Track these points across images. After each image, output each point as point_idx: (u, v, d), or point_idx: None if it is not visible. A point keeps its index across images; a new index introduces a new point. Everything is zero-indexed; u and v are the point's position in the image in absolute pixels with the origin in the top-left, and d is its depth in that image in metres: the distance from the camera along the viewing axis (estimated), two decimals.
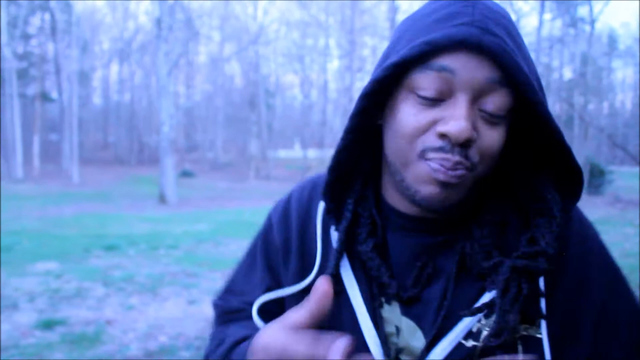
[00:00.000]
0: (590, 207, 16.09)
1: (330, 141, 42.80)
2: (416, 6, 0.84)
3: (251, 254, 0.97)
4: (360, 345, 0.76)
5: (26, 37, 33.96)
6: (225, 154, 41.24)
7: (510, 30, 0.71)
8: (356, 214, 0.81)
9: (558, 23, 28.84)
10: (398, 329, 0.78)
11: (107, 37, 42.28)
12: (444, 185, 0.70)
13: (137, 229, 11.08)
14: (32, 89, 35.69)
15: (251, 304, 0.88)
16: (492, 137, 0.70)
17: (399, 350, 0.77)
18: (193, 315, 5.18)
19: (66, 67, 30.47)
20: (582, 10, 26.13)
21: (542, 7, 24.98)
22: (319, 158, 38.53)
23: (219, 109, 39.80)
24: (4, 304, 5.46)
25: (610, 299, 0.79)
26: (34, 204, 15.89)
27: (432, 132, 0.70)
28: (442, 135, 0.69)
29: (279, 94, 46.68)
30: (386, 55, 0.76)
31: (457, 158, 0.68)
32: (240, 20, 37.90)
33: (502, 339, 0.71)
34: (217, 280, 6.58)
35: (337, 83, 40.06)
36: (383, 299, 0.79)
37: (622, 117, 43.85)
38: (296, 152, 43.00)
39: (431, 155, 0.70)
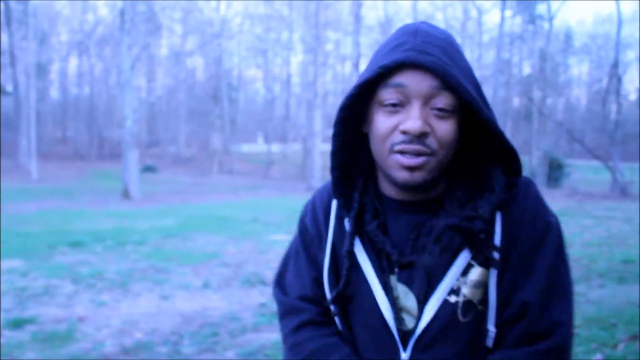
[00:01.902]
0: (549, 199, 16.41)
1: (294, 135, 42.71)
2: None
3: (294, 250, 1.21)
4: (374, 308, 1.02)
5: None
6: (188, 149, 40.71)
7: (446, 48, 0.96)
8: (362, 204, 1.06)
9: (518, 20, 29.40)
10: (397, 294, 1.03)
11: (65, 28, 41.18)
12: (410, 169, 0.94)
13: (102, 224, 10.90)
14: None
15: (306, 298, 1.15)
16: (444, 128, 0.94)
17: (401, 310, 1.02)
18: (167, 310, 5.15)
19: (23, 60, 29.60)
20: (541, 8, 26.70)
21: (504, 4, 25.44)
22: (282, 152, 38.45)
23: (181, 103, 39.26)
24: None
25: (531, 252, 1.00)
26: None
27: (397, 132, 0.95)
28: (404, 132, 0.94)
29: (242, 88, 46.32)
30: (361, 74, 1.00)
31: (415, 147, 0.93)
32: (203, 13, 37.41)
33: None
34: (188, 275, 6.55)
35: (301, 77, 40.03)
36: (389, 271, 1.03)
37: (578, 112, 45.07)
38: (259, 146, 42.76)
39: (397, 148, 0.95)
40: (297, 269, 1.18)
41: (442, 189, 1.02)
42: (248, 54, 41.54)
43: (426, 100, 0.93)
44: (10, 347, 4.16)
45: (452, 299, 0.98)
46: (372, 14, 39.10)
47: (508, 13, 27.78)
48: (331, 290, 1.08)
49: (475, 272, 0.98)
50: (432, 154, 0.94)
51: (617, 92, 22.74)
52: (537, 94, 25.15)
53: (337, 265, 1.09)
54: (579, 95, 49.84)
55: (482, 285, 0.98)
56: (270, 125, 38.64)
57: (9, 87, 36.87)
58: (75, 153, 37.54)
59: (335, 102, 42.85)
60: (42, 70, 34.51)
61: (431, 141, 0.93)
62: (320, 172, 25.00)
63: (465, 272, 0.98)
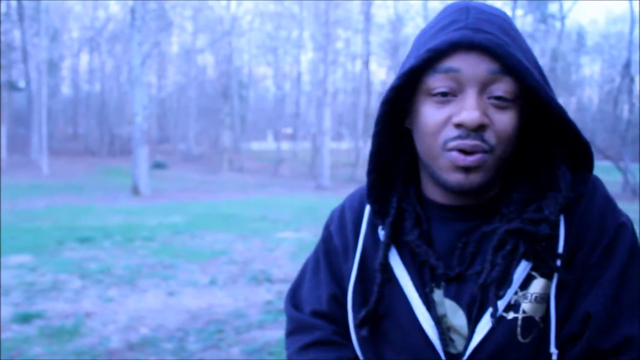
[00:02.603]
0: None
1: (303, 133, 42.76)
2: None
3: (315, 261, 1.07)
4: (415, 327, 0.88)
5: None
6: (198, 146, 40.88)
7: (504, 26, 0.82)
8: (401, 209, 0.92)
9: (529, 19, 29.24)
10: (444, 311, 0.88)
11: (77, 25, 41.44)
12: (466, 170, 0.81)
13: (111, 221, 10.96)
14: None
15: (320, 314, 1.01)
16: (503, 120, 0.80)
17: (449, 329, 0.87)
18: (173, 306, 5.17)
19: (35, 56, 29.82)
20: (553, 7, 26.55)
21: (515, 3, 25.29)
22: (291, 150, 38.49)
23: (191, 100, 39.40)
24: None
25: (598, 261, 0.84)
26: (3, 196, 15.56)
27: (450, 125, 0.81)
28: (458, 125, 0.80)
29: (252, 86, 46.42)
30: (404, 61, 0.87)
31: (473, 142, 0.79)
32: (214, 11, 37.51)
33: (497, 293, 0.81)
34: (195, 272, 6.57)
35: (311, 75, 40.03)
36: (433, 285, 0.88)
37: (590, 112, 44.76)
38: (269, 144, 42.86)
39: (451, 144, 0.80)
40: (315, 281, 1.04)
41: (497, 191, 0.89)
42: (258, 51, 41.63)
43: (483, 88, 0.80)
44: (17, 342, 4.19)
45: (510, 315, 0.83)
46: (382, 12, 39.09)
47: (519, 12, 27.64)
48: (357, 310, 0.94)
49: (538, 285, 0.83)
50: (490, 150, 0.80)
51: (629, 92, 22.55)
52: None
53: (366, 282, 0.94)
54: (591, 95, 49.51)
55: (545, 299, 0.83)
56: (280, 123, 38.69)
57: (21, 84, 37.20)
58: (86, 149, 37.81)
59: (345, 101, 42.88)
60: (53, 66, 34.77)
61: (489, 135, 0.80)
62: (330, 170, 25.01)
63: (524, 284, 0.83)
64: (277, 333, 4.39)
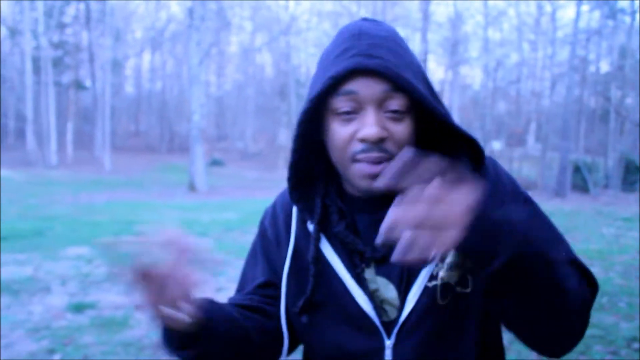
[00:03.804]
0: (623, 204, 15.69)
1: None
2: None
3: (252, 254, 1.18)
4: (351, 304, 1.00)
5: (61, 26, 34.50)
6: (255, 144, 41.37)
7: (392, 47, 0.94)
8: (325, 205, 1.05)
9: (596, 15, 28.09)
10: (376, 286, 1.01)
11: (139, 26, 42.69)
12: (374, 177, 0.92)
13: (167, 216, 11.21)
14: (66, 77, 36.30)
15: (251, 294, 1.11)
16: (400, 130, 0.94)
17: (382, 302, 1.01)
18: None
19: (100, 56, 30.95)
20: (623, 2, 25.44)
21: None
22: None
23: (249, 99, 39.95)
24: (37, 286, 5.57)
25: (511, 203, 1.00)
26: (67, 190, 16.21)
27: (355, 140, 0.94)
28: (362, 140, 0.92)
29: (309, 85, 46.59)
30: (311, 85, 1.00)
31: (377, 154, 0.92)
32: (272, 10, 37.87)
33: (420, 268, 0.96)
34: None
35: None
36: (363, 265, 1.01)
37: None
38: None
39: (359, 156, 0.93)
40: (253, 272, 1.15)
41: None
42: (316, 50, 41.73)
43: (379, 104, 0.93)
44: (70, 330, 4.33)
45: (432, 284, 0.97)
46: (441, 9, 38.44)
47: (585, 7, 26.61)
48: (293, 298, 1.05)
49: (451, 255, 0.97)
50: (392, 158, 0.90)
51: None
52: (615, 93, 23.98)
53: (300, 271, 1.05)
54: None
55: (458, 266, 0.97)
56: None
57: (87, 83, 38.69)
58: (147, 146, 38.90)
59: None
60: (117, 66, 35.96)
61: (389, 145, 0.93)
62: None
63: (443, 257, 0.97)
64: None
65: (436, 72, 40.09)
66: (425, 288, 0.97)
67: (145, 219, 10.48)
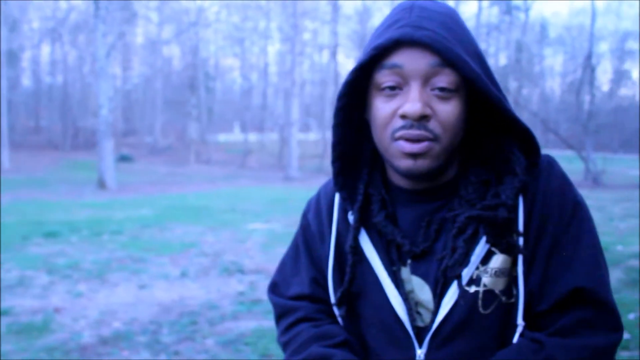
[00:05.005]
0: None
1: (271, 124, 42.51)
2: None
3: (294, 249, 1.14)
4: (384, 304, 0.95)
5: None
6: (164, 138, 40.23)
7: (446, 22, 0.88)
8: (367, 195, 1.00)
9: (495, 10, 29.60)
10: (411, 287, 0.96)
11: (37, 15, 40.29)
12: (413, 156, 0.88)
13: (78, 215, 10.76)
14: None
15: (302, 296, 1.07)
16: (446, 110, 0.87)
17: (416, 304, 0.95)
18: (145, 300, 5.12)
19: None
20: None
21: None
22: (259, 142, 38.24)
23: (157, 92, 38.78)
24: None
25: (563, 234, 0.90)
26: None
27: (397, 117, 0.88)
28: (403, 116, 0.87)
29: (218, 77, 45.95)
30: (358, 59, 0.94)
31: (417, 132, 0.86)
32: (180, 2, 36.92)
33: (456, 273, 0.88)
34: (166, 265, 6.51)
35: (278, 66, 39.81)
36: (400, 263, 0.96)
37: (553, 103, 45.62)
38: (236, 135, 42.46)
39: (398, 134, 0.88)
40: (296, 268, 1.11)
41: (454, 174, 0.96)
42: (225, 42, 41.19)
43: (426, 80, 0.86)
44: None
45: (472, 289, 0.90)
46: (349, 3, 39.06)
47: (485, 3, 27.98)
48: (336, 290, 1.01)
49: (497, 260, 0.89)
50: (435, 139, 0.87)
51: (591, 83, 23.10)
52: (513, 85, 25.42)
53: (342, 263, 1.01)
54: (553, 86, 50.44)
55: (505, 273, 0.90)
56: (247, 114, 38.39)
57: None
58: (49, 143, 36.87)
59: (312, 92, 42.83)
60: (13, 57, 33.78)
61: (434, 125, 0.87)
62: (298, 161, 24.98)
63: (485, 260, 0.90)
64: (251, 323, 4.39)
65: (345, 64, 40.72)
66: (464, 292, 0.89)
67: (54, 219, 10.02)
